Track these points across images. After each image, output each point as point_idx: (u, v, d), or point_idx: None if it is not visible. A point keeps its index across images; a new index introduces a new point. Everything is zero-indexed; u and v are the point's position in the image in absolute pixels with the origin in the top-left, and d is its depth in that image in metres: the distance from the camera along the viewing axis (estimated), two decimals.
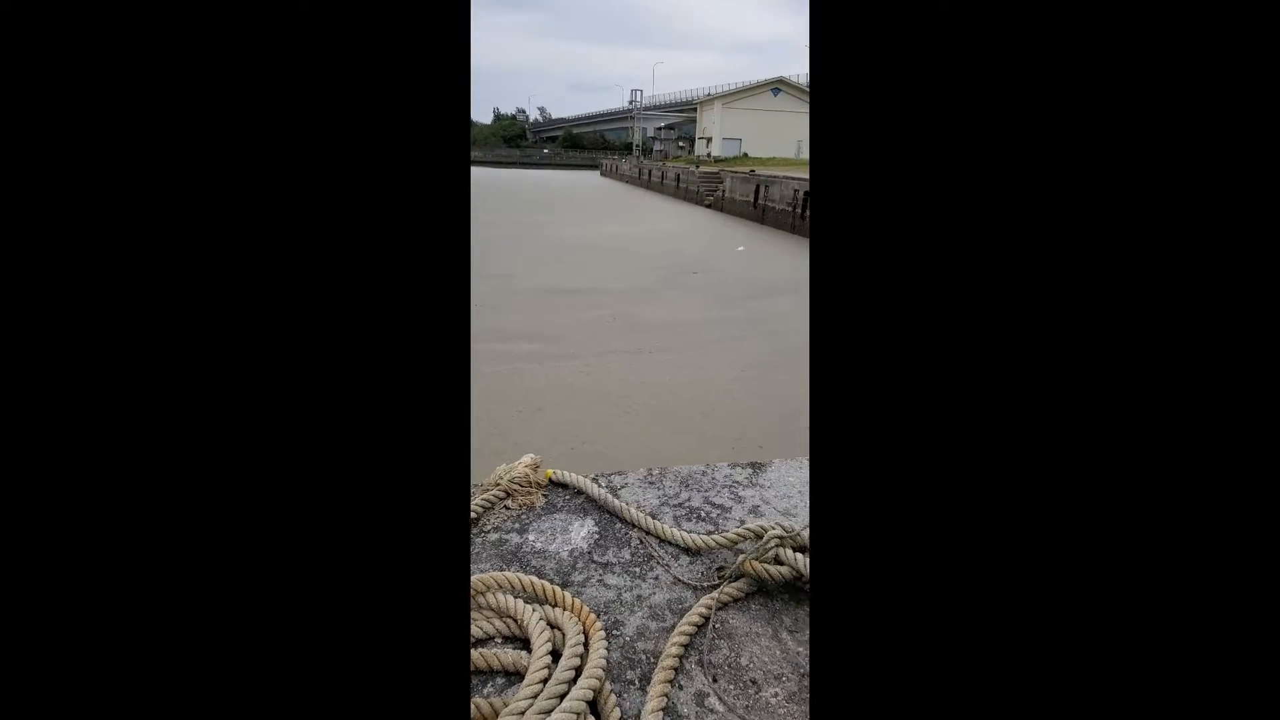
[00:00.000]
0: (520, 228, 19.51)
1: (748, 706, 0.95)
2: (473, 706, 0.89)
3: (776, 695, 0.97)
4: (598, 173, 64.68)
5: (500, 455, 1.62)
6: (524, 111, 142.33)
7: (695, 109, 61.23)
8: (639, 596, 1.18)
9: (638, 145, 69.06)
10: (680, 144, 63.80)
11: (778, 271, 14.41)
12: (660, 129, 73.76)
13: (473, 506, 1.38)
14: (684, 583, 1.22)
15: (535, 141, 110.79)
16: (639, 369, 7.70)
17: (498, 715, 0.87)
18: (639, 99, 73.47)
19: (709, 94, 58.77)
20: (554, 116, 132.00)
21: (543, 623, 1.02)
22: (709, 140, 53.01)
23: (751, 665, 1.03)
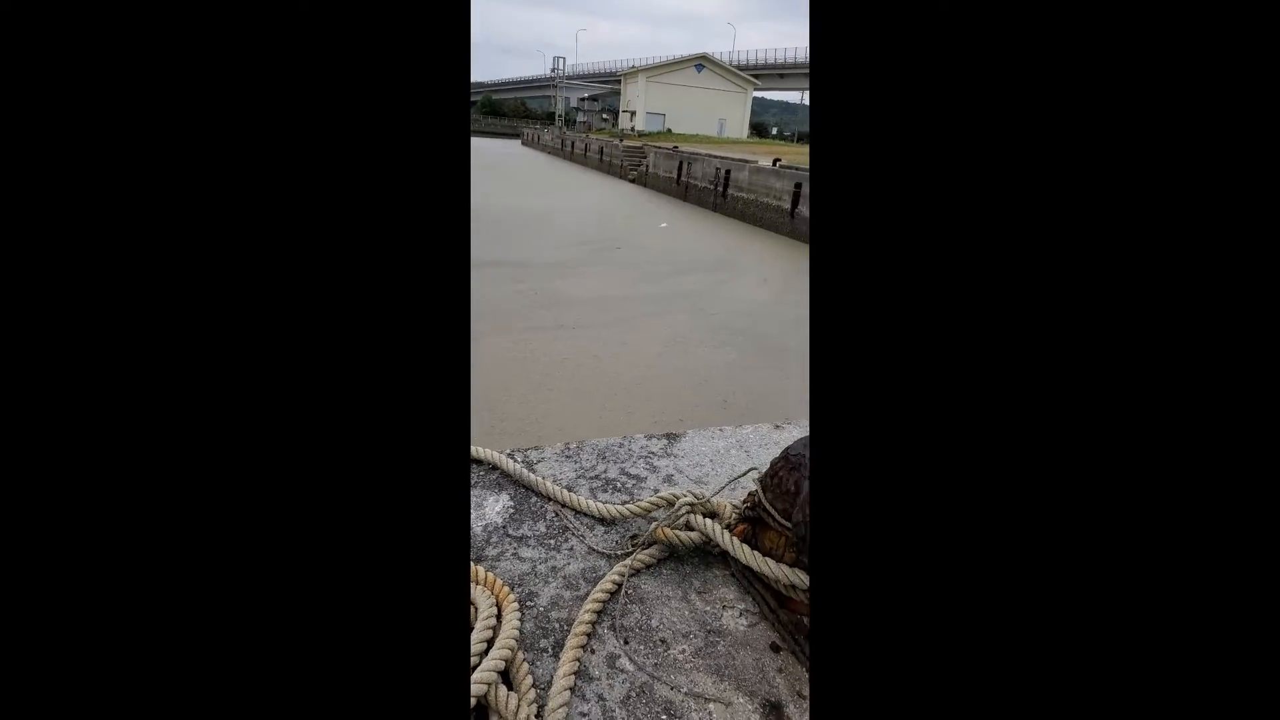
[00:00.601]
0: None
1: (656, 664, 1.00)
2: None
3: (684, 651, 1.03)
4: (519, 142, 62.63)
5: None
6: None
7: (619, 80, 60.33)
8: (553, 567, 1.20)
9: (561, 115, 67.29)
10: (604, 116, 62.77)
11: (700, 248, 14.63)
12: (584, 99, 72.13)
13: None
14: (598, 552, 1.25)
15: None
16: (561, 345, 7.65)
17: None
18: (562, 67, 71.37)
19: (633, 66, 58.06)
20: (473, 80, 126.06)
21: None
22: (633, 114, 52.52)
23: (661, 626, 1.07)
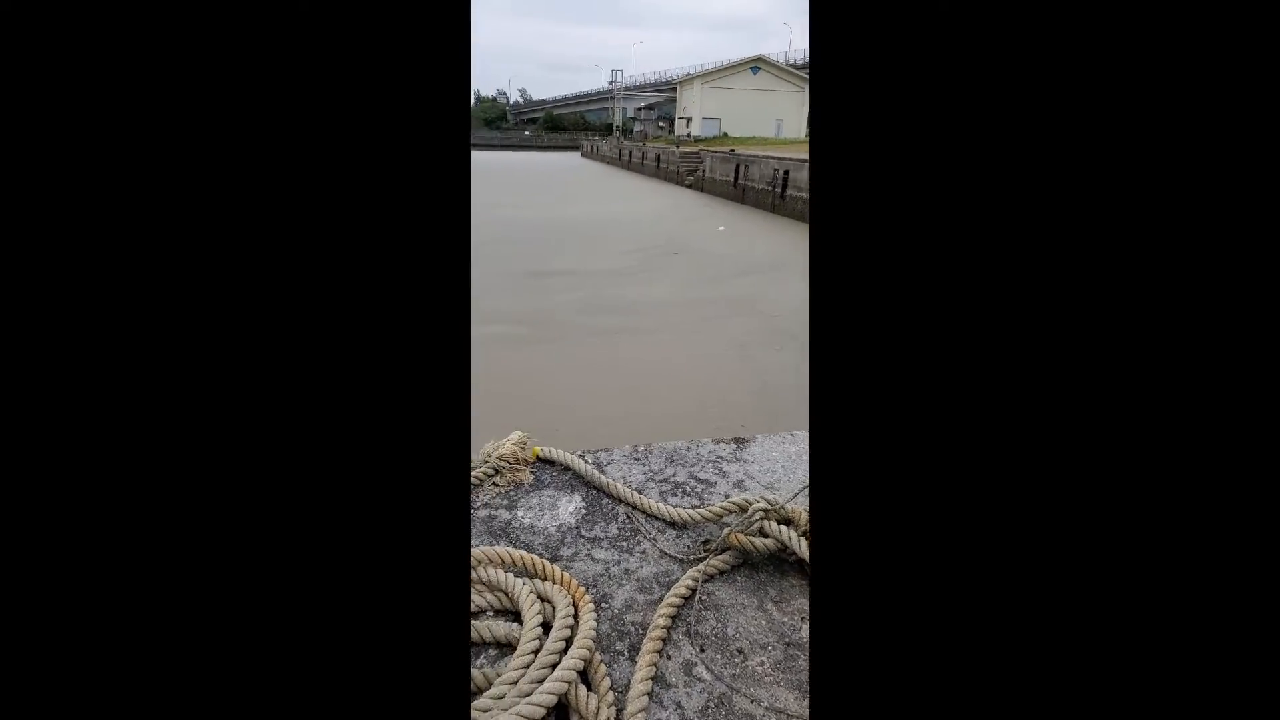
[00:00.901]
0: (501, 209, 19.25)
1: (734, 675, 0.97)
2: None
3: (762, 664, 1.00)
4: (579, 154, 63.93)
5: (487, 437, 1.61)
6: (504, 94, 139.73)
7: (675, 89, 60.51)
8: (627, 570, 1.19)
9: (618, 126, 68.27)
10: (660, 124, 63.11)
11: (758, 250, 14.43)
12: (640, 109, 72.85)
13: None
14: (670, 556, 1.24)
15: (516, 124, 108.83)
16: (622, 349, 7.70)
17: (491, 685, 0.89)
18: (619, 80, 72.39)
19: (688, 73, 58.09)
20: (534, 98, 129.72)
21: (533, 596, 1.03)
22: (689, 120, 52.54)
23: (738, 635, 1.05)
